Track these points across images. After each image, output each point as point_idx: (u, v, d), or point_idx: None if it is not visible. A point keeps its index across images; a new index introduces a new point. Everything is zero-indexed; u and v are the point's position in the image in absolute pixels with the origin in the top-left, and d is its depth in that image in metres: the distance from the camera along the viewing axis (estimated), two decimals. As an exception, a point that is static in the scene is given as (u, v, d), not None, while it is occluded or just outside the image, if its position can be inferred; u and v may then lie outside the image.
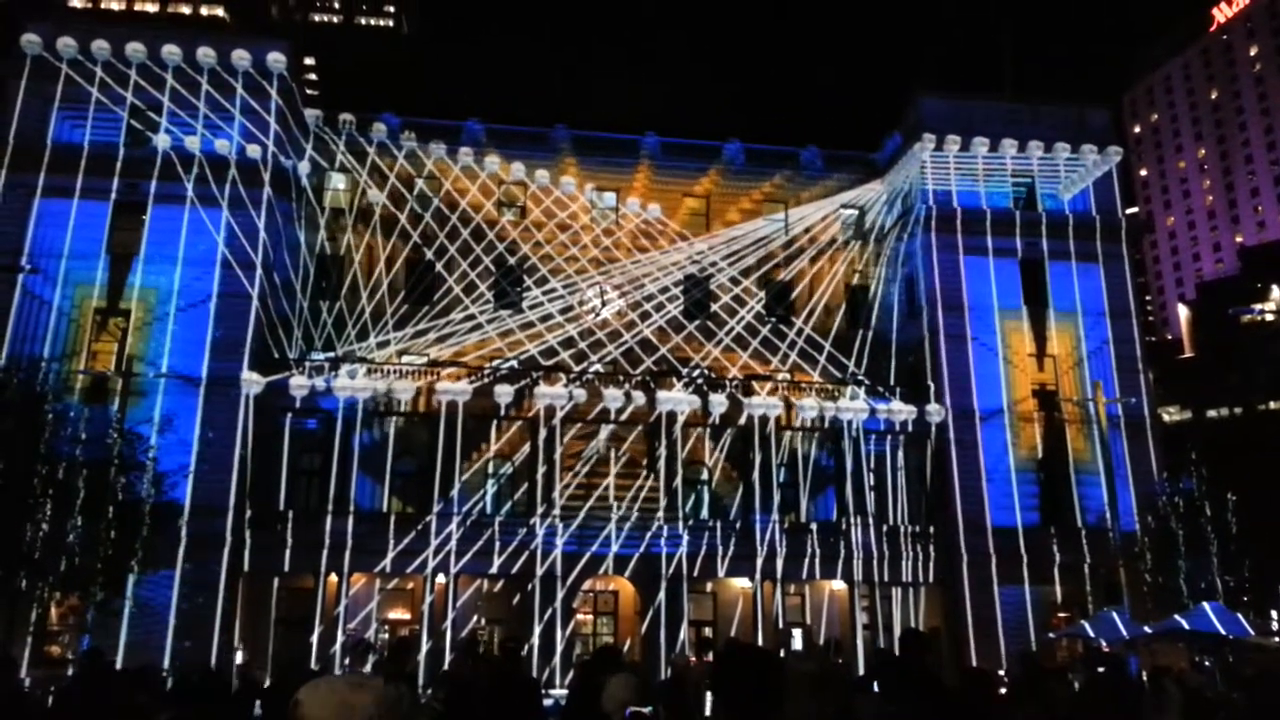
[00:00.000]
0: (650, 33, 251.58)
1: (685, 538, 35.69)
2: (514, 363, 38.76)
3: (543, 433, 36.11)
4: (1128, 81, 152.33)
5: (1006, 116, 42.55)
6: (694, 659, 29.63)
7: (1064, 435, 38.82)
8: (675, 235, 42.89)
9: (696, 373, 39.65)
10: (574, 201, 42.39)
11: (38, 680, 25.34)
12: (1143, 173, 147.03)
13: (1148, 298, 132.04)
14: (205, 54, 36.84)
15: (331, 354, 37.46)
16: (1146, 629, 26.92)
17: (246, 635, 32.68)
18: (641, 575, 35.43)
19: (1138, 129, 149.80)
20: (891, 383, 40.59)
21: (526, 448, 36.91)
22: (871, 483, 38.04)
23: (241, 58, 37.01)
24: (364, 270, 39.87)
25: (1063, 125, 42.51)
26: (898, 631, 34.01)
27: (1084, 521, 37.23)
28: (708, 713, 12.35)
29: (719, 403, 37.10)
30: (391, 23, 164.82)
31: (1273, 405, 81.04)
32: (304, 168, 39.49)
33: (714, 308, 42.28)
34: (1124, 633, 26.89)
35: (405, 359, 38.61)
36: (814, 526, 37.26)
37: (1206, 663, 27.28)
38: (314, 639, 32.33)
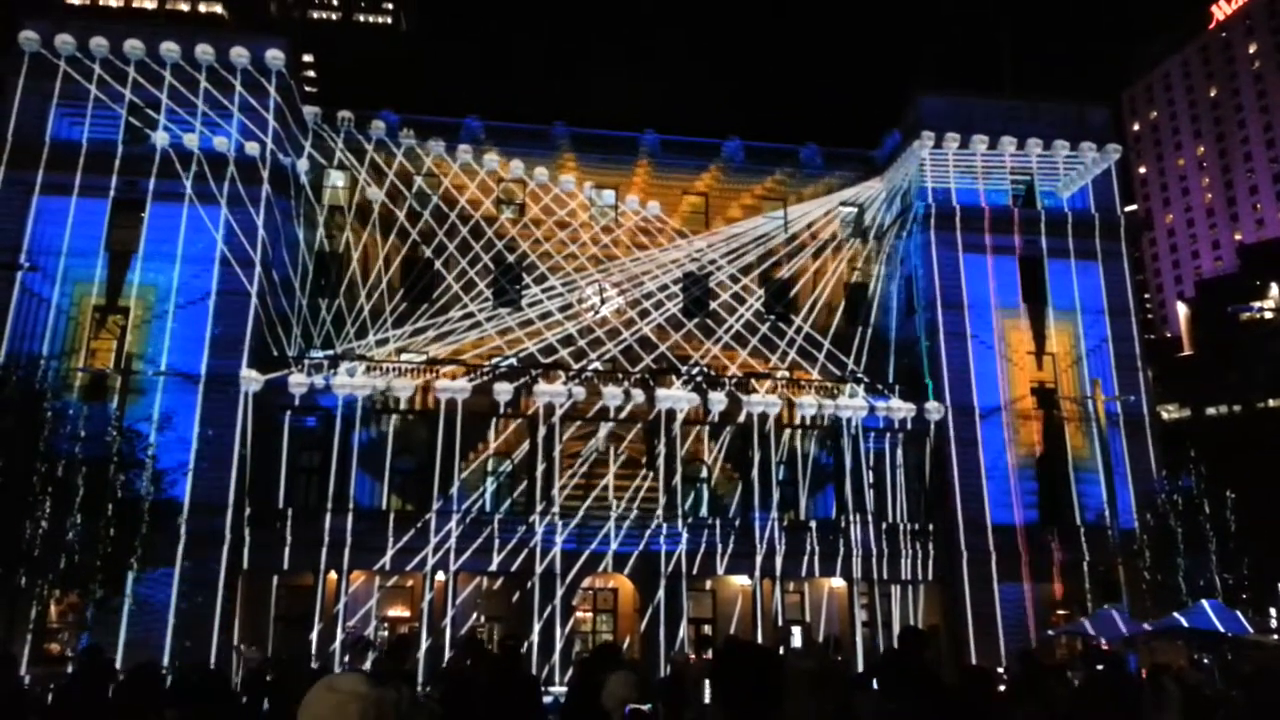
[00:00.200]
0: (649, 30, 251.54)
1: (684, 535, 35.70)
2: (513, 360, 38.74)
3: (542, 430, 36.10)
4: (1127, 79, 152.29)
5: (1005, 114, 42.54)
6: (693, 656, 29.61)
7: (1063, 433, 38.83)
8: (674, 233, 42.88)
9: (696, 370, 39.64)
10: (573, 199, 42.37)
11: (37, 678, 25.30)
12: (1142, 170, 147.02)
13: (1146, 295, 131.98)
14: (204, 51, 36.80)
15: (331, 352, 37.43)
16: (1146, 627, 26.95)
17: (246, 633, 32.65)
18: (641, 573, 35.44)
19: (1137, 127, 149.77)
20: (891, 380, 40.64)
21: (526, 445, 36.92)
22: (871, 480, 38.03)
23: (240, 55, 36.98)
24: (363, 268, 39.85)
25: (1062, 123, 42.49)
26: (897, 629, 34.04)
27: (1083, 519, 37.24)
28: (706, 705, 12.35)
29: (718, 400, 37.10)
30: (390, 20, 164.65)
31: (1271, 403, 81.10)
32: (303, 165, 39.47)
33: (713, 305, 42.28)
34: (1123, 630, 26.92)
35: (404, 357, 38.61)
36: (813, 524, 37.27)
37: (1205, 660, 27.31)
38: (314, 636, 32.34)
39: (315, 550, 33.34)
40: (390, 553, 33.75)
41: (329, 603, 33.28)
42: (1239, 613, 25.95)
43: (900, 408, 38.39)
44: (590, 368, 39.05)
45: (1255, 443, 54.66)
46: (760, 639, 32.79)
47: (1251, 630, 25.53)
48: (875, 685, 9.10)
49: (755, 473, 36.91)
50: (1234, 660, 25.69)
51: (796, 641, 31.79)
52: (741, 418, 37.55)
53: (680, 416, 37.09)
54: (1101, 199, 42.60)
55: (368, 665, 17.44)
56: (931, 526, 37.43)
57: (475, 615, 35.47)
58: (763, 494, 36.74)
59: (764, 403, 37.43)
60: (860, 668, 30.95)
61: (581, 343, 40.44)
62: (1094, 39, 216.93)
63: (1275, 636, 30.10)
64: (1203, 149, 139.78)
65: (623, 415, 36.94)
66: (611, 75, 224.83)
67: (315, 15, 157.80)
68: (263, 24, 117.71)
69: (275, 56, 37.44)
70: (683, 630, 34.89)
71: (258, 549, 33.32)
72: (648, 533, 35.46)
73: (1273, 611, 36.87)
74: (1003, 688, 18.82)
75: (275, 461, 34.46)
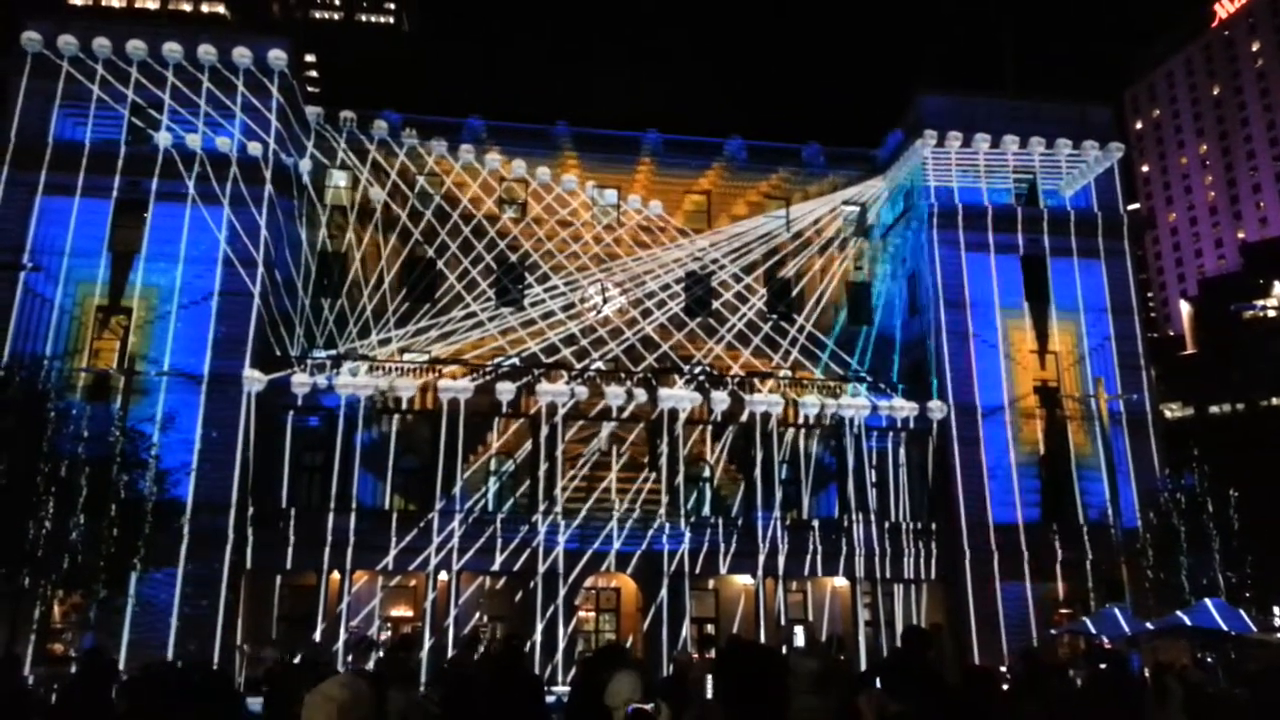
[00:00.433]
0: (651, 29, 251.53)
1: (687, 535, 35.69)
2: (515, 360, 38.76)
3: (544, 430, 36.10)
4: (1129, 77, 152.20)
5: (1008, 113, 42.48)
6: (696, 656, 29.67)
7: (1066, 432, 38.79)
8: (677, 232, 42.88)
9: (698, 370, 39.64)
10: (575, 198, 42.38)
11: (41, 678, 25.35)
12: (1145, 169, 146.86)
13: (1149, 294, 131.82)
14: (206, 51, 36.82)
15: (333, 351, 37.47)
16: (1149, 625, 26.89)
17: (249, 633, 32.68)
18: (643, 572, 35.44)
19: (1139, 125, 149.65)
20: (893, 379, 40.64)
21: (528, 445, 36.92)
22: (873, 479, 37.97)
23: (243, 55, 37.00)
24: (365, 268, 39.88)
25: (1064, 121, 42.43)
26: (900, 628, 34.00)
27: (1086, 518, 37.18)
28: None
29: (721, 400, 37.09)
30: (392, 19, 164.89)
31: (1274, 401, 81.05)
32: (305, 165, 39.50)
33: (716, 305, 42.28)
34: (1126, 629, 26.86)
35: (407, 356, 38.63)
36: (816, 523, 37.25)
37: (1209, 659, 27.27)
38: (317, 636, 32.34)
39: (318, 550, 33.36)
40: (393, 552, 33.77)
41: (332, 603, 33.30)
42: (1242, 611, 25.89)
43: (903, 407, 38.36)
44: (593, 367, 39.06)
45: (1258, 441, 54.66)
46: (763, 638, 32.79)
47: (1255, 629, 25.48)
48: (879, 684, 9.09)
49: (758, 472, 36.89)
50: (1238, 659, 25.68)
51: (799, 641, 31.86)
52: (744, 417, 37.53)
53: (683, 416, 37.08)
54: (1104, 198, 42.54)
55: (370, 665, 17.44)
56: (934, 525, 37.41)
57: (478, 615, 35.49)
58: (765, 493, 36.72)
59: (766, 402, 37.42)
60: (863, 667, 30.94)
61: (584, 342, 40.44)
62: (1096, 37, 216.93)
63: (1279, 635, 30.01)
64: (1205, 147, 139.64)
65: (625, 415, 36.94)
66: (614, 74, 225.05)
67: (317, 15, 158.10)
68: (265, 24, 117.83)
69: (278, 56, 37.46)
70: (685, 630, 34.89)
71: (261, 549, 33.34)
72: (650, 532, 35.46)
73: (1276, 610, 36.77)
74: (1006, 687, 18.81)
75: (278, 461, 34.49)
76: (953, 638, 35.55)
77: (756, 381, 38.59)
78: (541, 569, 34.32)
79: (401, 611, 36.49)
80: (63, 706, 11.84)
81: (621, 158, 43.64)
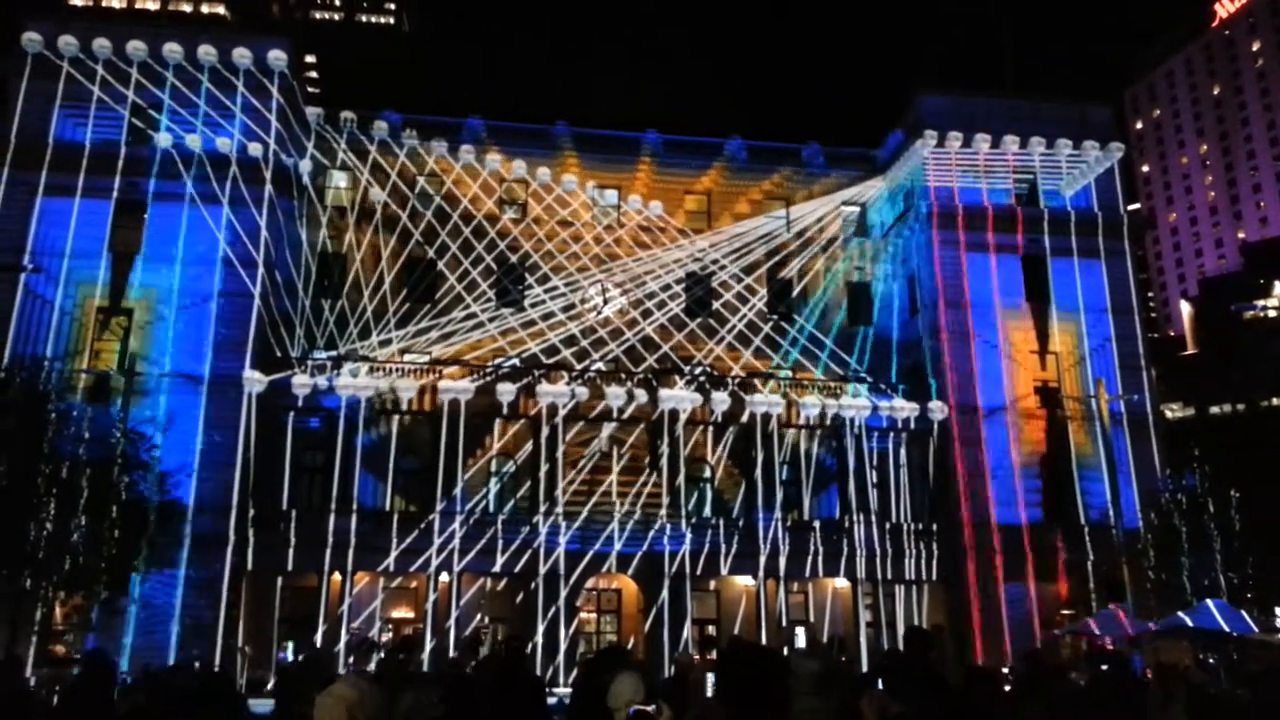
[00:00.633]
0: (651, 30, 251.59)
1: (688, 536, 35.68)
2: (516, 361, 38.76)
3: (545, 431, 36.09)
4: (1130, 77, 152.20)
5: (1008, 113, 42.48)
6: (697, 657, 29.65)
7: (1067, 432, 38.76)
8: (677, 232, 42.87)
9: (699, 370, 39.63)
10: (575, 199, 42.38)
11: (42, 680, 25.33)
12: (1145, 169, 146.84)
13: (1150, 294, 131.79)
14: (206, 52, 36.83)
15: (334, 352, 37.46)
16: (1150, 626, 26.85)
17: (250, 634, 32.66)
18: (644, 573, 35.43)
19: (1140, 125, 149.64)
20: (894, 380, 40.61)
21: (529, 446, 36.90)
22: (874, 480, 37.96)
23: (243, 55, 37.00)
24: (366, 268, 39.88)
25: (1064, 121, 42.42)
26: (901, 629, 33.99)
27: (1087, 518, 37.16)
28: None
29: (721, 400, 37.08)
30: (392, 20, 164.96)
31: (1275, 401, 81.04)
32: (305, 166, 39.48)
33: (716, 305, 42.27)
34: (1128, 630, 26.83)
35: (407, 357, 38.62)
36: (817, 524, 37.23)
37: (1211, 660, 27.22)
38: (318, 638, 32.32)
39: (319, 551, 33.35)
40: (394, 554, 33.76)
41: (333, 604, 33.29)
42: (1244, 612, 25.86)
43: (903, 407, 38.33)
44: (593, 368, 39.06)
45: (1259, 441, 54.60)
46: (764, 639, 32.79)
47: (1257, 629, 25.43)
48: (880, 686, 9.08)
49: (759, 473, 36.88)
50: (1239, 659, 25.62)
51: (801, 642, 31.84)
52: (745, 418, 37.52)
53: (683, 417, 37.07)
54: (1104, 197, 42.53)
55: (372, 667, 17.42)
56: (935, 526, 37.38)
57: (479, 616, 35.47)
58: (766, 494, 36.70)
59: (767, 402, 37.41)
60: (865, 668, 30.91)
61: (584, 343, 40.43)
62: (1096, 37, 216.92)
63: (1280, 635, 29.96)
64: (1206, 147, 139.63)
65: (626, 416, 36.93)
66: (614, 75, 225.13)
67: (317, 16, 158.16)
68: (265, 25, 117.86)
69: (278, 57, 37.46)
70: (687, 631, 34.87)
71: (262, 550, 33.33)
72: (651, 533, 35.45)
73: (1278, 610, 36.73)
74: (1008, 688, 18.79)
75: (279, 463, 34.48)
76: (954, 639, 35.63)
77: (757, 382, 38.57)
78: (543, 570, 34.31)
79: (403, 613, 36.48)
80: (64, 708, 11.82)
81: (621, 158, 43.64)
